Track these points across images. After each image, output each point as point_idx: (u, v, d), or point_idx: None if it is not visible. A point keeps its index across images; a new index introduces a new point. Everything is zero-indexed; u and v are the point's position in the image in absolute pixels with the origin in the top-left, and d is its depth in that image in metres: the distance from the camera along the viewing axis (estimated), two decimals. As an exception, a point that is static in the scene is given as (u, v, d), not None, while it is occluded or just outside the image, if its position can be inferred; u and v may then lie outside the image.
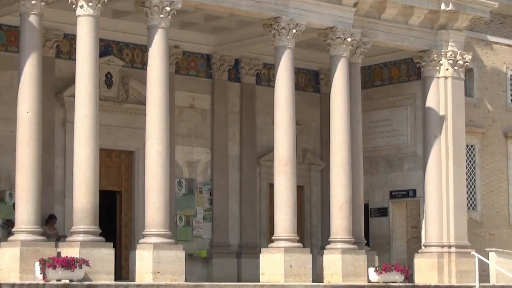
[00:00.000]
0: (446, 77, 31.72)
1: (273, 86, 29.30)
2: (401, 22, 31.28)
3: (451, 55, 31.72)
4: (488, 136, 36.57)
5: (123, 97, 30.10)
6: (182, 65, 31.83)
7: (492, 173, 36.75)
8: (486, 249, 32.46)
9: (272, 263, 27.72)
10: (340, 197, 28.96)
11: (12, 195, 26.20)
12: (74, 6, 24.36)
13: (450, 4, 31.44)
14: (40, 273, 22.82)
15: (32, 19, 24.24)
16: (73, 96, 25.95)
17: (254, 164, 33.19)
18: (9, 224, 26.32)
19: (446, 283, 30.48)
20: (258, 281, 27.80)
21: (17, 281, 22.76)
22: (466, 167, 33.15)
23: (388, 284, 29.11)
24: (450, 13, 31.63)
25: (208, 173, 32.61)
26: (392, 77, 33.48)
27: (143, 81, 27.23)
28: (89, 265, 23.27)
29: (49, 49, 27.75)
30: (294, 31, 28.57)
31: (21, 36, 24.70)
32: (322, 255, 29.09)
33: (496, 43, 37.31)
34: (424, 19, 31.60)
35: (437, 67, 31.84)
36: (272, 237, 28.51)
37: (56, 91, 28.06)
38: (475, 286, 30.52)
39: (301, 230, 29.61)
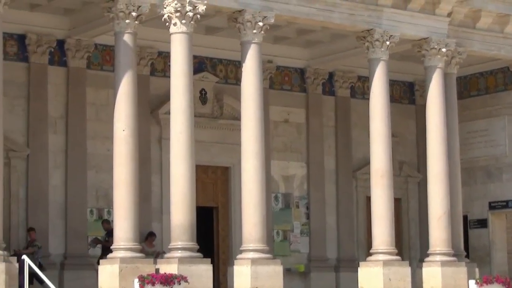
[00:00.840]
0: None
1: (368, 99, 29.22)
2: (497, 31, 31.01)
3: None
4: None
5: (218, 113, 30.23)
6: (276, 79, 31.89)
7: None
8: None
9: (371, 276, 27.61)
10: (438, 209, 28.76)
11: (110, 213, 26.48)
12: (167, 24, 24.63)
13: None
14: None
15: (127, 38, 24.45)
16: (168, 113, 26.10)
17: (350, 177, 33.03)
18: (96, 241, 26.78)
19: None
20: (358, 292, 27.81)
21: (118, 297, 23.03)
22: None
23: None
24: None
25: (304, 187, 32.50)
26: (488, 87, 33.15)
27: (237, 97, 27.42)
28: (187, 281, 23.42)
29: (143, 67, 28.11)
30: (387, 43, 28.46)
31: (116, 55, 24.91)
32: (421, 267, 28.94)
33: None
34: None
35: None
36: (370, 251, 28.41)
37: (152, 108, 28.42)
38: None
39: (399, 243, 29.33)
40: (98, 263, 24.79)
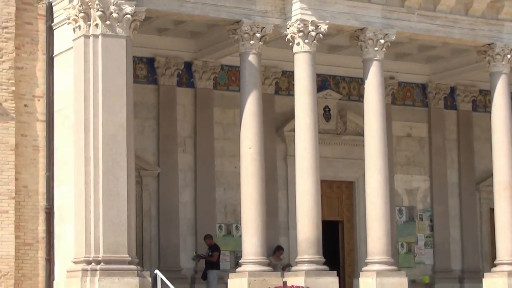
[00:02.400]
0: None
1: (490, 112, 29.22)
2: None
3: None
4: None
5: (342, 129, 30.48)
6: (398, 95, 32.10)
7: None
8: None
9: (496, 287, 27.59)
10: None
11: (238, 228, 27.07)
12: (291, 44, 25.20)
13: None
14: (271, 300, 23.60)
15: (252, 58, 24.97)
16: (293, 130, 26.58)
17: (473, 189, 32.90)
18: (199, 256, 27.40)
19: None
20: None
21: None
22: None
23: None
24: None
25: (427, 200, 32.59)
26: None
27: (360, 113, 27.74)
28: (313, 292, 23.89)
29: (268, 86, 28.62)
30: (508, 56, 28.41)
31: (242, 75, 25.48)
32: (545, 277, 28.65)
33: None
34: None
35: None
36: (495, 262, 28.43)
37: (277, 126, 28.91)
38: None
39: None
40: (203, 278, 26.58)
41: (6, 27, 24.22)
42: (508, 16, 28.29)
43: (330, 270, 25.32)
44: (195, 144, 28.37)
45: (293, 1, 25.37)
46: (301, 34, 25.34)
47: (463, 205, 32.66)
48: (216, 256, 26.92)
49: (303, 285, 24.04)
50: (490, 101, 29.10)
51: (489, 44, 28.27)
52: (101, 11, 22.67)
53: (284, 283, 24.18)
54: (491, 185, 29.63)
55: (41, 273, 24.25)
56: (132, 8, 23.02)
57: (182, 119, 28.35)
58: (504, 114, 28.33)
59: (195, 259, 27.21)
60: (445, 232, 32.16)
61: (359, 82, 27.92)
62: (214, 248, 27.05)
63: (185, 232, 28.01)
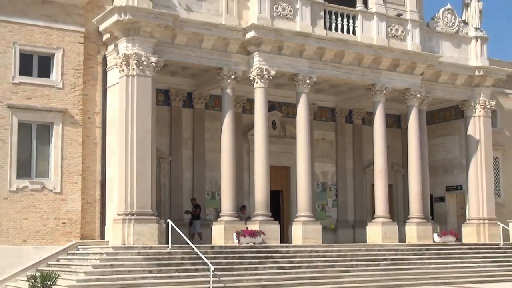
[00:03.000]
0: (479, 116, 31.04)
1: (372, 125, 29.62)
2: (450, 83, 30.74)
3: (482, 102, 31.08)
4: (507, 151, 35.59)
5: (282, 134, 30.24)
6: (317, 114, 32.08)
7: (510, 174, 35.73)
8: (507, 220, 31.60)
9: (374, 231, 27.88)
10: (415, 191, 28.77)
11: (218, 194, 26.78)
12: (252, 82, 25.13)
13: (481, 71, 30.81)
14: (236, 240, 23.45)
15: (228, 91, 25.22)
16: (253, 135, 26.78)
17: (362, 172, 32.91)
18: (187, 212, 27.48)
19: (482, 241, 29.86)
20: (366, 242, 27.83)
21: (223, 244, 23.39)
22: (493, 171, 32.46)
23: (445, 243, 28.79)
24: (481, 77, 30.97)
25: (334, 178, 32.67)
26: (445, 117, 33.08)
27: (294, 125, 27.78)
28: (264, 234, 24.00)
29: (238, 108, 28.41)
30: (384, 91, 28.70)
31: (222, 101, 25.71)
32: (404, 226, 28.94)
33: (510, 93, 36.37)
34: (465, 81, 31.06)
35: (474, 110, 31.20)
36: (374, 216, 28.54)
37: (243, 132, 28.56)
38: (500, 243, 29.83)
39: (391, 211, 29.17)
40: (190, 225, 26.43)
41: (77, 69, 23.99)
42: (384, 67, 28.22)
43: (274, 220, 25.38)
44: (193, 143, 28.32)
45: (254, 56, 25.27)
46: (259, 76, 25.24)
47: (355, 181, 32.66)
48: (198, 211, 26.70)
49: (258, 229, 23.96)
50: (373, 119, 28.99)
51: (372, 84, 28.15)
52: (136, 60, 22.54)
53: (246, 228, 24.15)
54: (372, 170, 29.74)
55: (97, 221, 24.12)
56: (156, 59, 22.99)
57: (185, 128, 28.24)
58: (380, 127, 28.52)
59: (186, 213, 26.90)
60: (343, 197, 32.22)
61: (294, 106, 27.48)
62: (197, 206, 26.83)
63: (186, 196, 27.83)
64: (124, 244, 21.67)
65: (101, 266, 20.09)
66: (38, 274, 18.03)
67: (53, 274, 17.96)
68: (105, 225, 23.93)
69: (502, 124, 35.76)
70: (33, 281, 17.55)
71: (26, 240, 22.35)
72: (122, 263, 20.37)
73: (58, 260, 22.09)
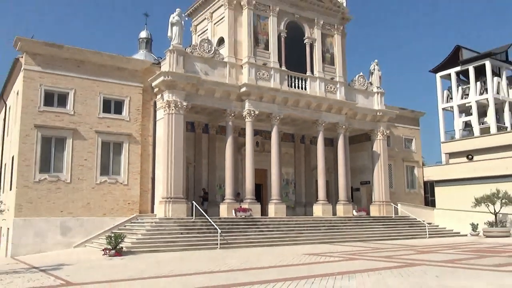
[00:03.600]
0: (380, 139, 31.04)
1: (316, 144, 29.19)
2: (363, 119, 30.80)
3: (381, 131, 31.14)
4: (396, 160, 35.74)
5: (262, 149, 29.05)
6: (283, 137, 31.14)
7: (398, 174, 35.79)
8: (396, 202, 31.54)
9: (317, 209, 27.82)
10: (341, 184, 28.83)
11: (223, 186, 25.80)
12: (244, 118, 25.02)
13: (381, 112, 30.90)
14: (234, 214, 23.32)
15: (230, 123, 25.14)
16: (244, 150, 26.24)
17: (310, 172, 32.18)
18: (200, 196, 26.64)
19: (382, 215, 29.71)
20: (312, 216, 27.61)
21: (226, 216, 23.09)
22: (388, 172, 32.39)
23: (360, 216, 28.74)
24: (380, 116, 31.08)
25: (293, 176, 31.56)
26: (360, 140, 32.83)
27: (269, 144, 27.23)
28: (251, 210, 23.92)
29: (236, 133, 26.89)
30: (323, 124, 28.32)
31: (226, 129, 25.59)
32: (335, 205, 28.64)
33: (398, 126, 36.45)
34: (371, 118, 31.08)
35: (376, 136, 31.21)
36: (317, 199, 28.28)
37: (239, 148, 27.74)
38: (392, 216, 29.84)
39: (328, 197, 28.68)
40: (202, 204, 24.71)
41: (138, 109, 24.08)
42: (323, 110, 28.29)
43: (257, 202, 25.21)
44: (208, 155, 27.99)
45: (245, 102, 25.29)
46: (248, 115, 25.37)
47: (306, 178, 32.05)
48: (206, 196, 26.17)
49: (247, 207, 23.81)
50: (316, 141, 28.80)
51: (316, 120, 28.31)
52: (174, 104, 22.57)
53: (240, 206, 24.11)
54: (316, 171, 29.36)
55: (149, 202, 23.95)
56: (186, 104, 23.15)
57: (203, 145, 27.93)
58: (321, 146, 28.22)
59: (200, 197, 25.98)
60: (299, 188, 31.56)
61: (269, 132, 27.05)
62: (206, 193, 26.35)
63: (204, 187, 27.26)
64: (165, 216, 21.49)
65: (151, 229, 20.00)
66: (112, 234, 17.74)
67: (121, 235, 17.74)
68: (154, 204, 23.73)
69: (393, 144, 35.91)
70: (109, 239, 17.28)
71: (105, 214, 22.23)
72: (164, 227, 20.26)
73: (125, 226, 21.99)
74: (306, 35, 28.70)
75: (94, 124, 22.53)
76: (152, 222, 20.84)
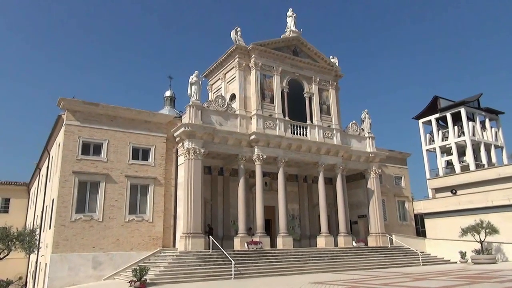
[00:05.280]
0: (373, 178, 30.14)
1: (317, 183, 28.23)
2: (357, 161, 30.05)
3: (374, 170, 30.31)
4: (388, 196, 34.59)
5: (269, 188, 28.20)
6: (289, 178, 30.21)
7: (390, 208, 34.49)
8: (391, 233, 30.18)
9: (321, 241, 26.78)
10: (341, 218, 27.67)
11: (236, 221, 24.74)
12: (254, 161, 24.28)
13: (372, 154, 30.19)
14: (246, 246, 22.35)
15: (242, 166, 24.47)
16: (255, 189, 25.47)
17: (313, 208, 31.08)
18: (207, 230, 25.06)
19: (378, 245, 28.28)
20: (316, 247, 26.35)
21: (239, 249, 21.96)
22: (382, 207, 31.14)
23: (359, 246, 27.37)
24: (372, 157, 30.33)
25: (298, 212, 30.56)
26: (355, 178, 31.88)
27: (276, 184, 26.49)
28: (262, 243, 22.83)
29: (247, 175, 26.24)
30: (322, 166, 27.56)
31: (238, 172, 24.92)
32: (337, 237, 27.38)
33: (389, 165, 35.55)
34: (365, 159, 30.33)
35: (370, 174, 30.32)
36: (320, 232, 27.01)
37: (250, 188, 27.08)
38: (388, 246, 28.42)
39: (330, 229, 27.43)
40: (208, 237, 22.61)
41: (162, 156, 23.61)
42: (322, 153, 27.73)
43: (267, 235, 24.08)
44: (223, 194, 27.27)
45: (255, 148, 24.82)
46: (257, 159, 24.82)
47: (309, 214, 30.92)
48: (211, 231, 24.36)
49: (258, 240, 22.76)
50: (317, 180, 28.03)
51: (316, 162, 27.65)
52: (193, 151, 22.12)
53: (252, 240, 23.03)
54: (318, 207, 28.42)
55: (171, 237, 22.96)
56: (203, 150, 22.64)
57: (219, 186, 27.26)
58: (322, 185, 27.39)
59: (207, 229, 24.41)
60: (304, 222, 30.58)
61: (276, 174, 26.43)
62: (210, 228, 24.78)
63: (220, 223, 26.52)
64: (185, 250, 20.52)
65: (172, 262, 19.02)
66: (137, 267, 16.81)
67: (145, 267, 16.81)
68: (175, 239, 22.77)
69: (385, 181, 34.95)
70: (134, 272, 16.38)
71: (132, 248, 21.28)
72: (184, 260, 19.24)
73: (149, 260, 20.97)
74: (305, 90, 28.68)
75: (124, 169, 22.09)
76: (173, 255, 19.85)
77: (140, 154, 23.04)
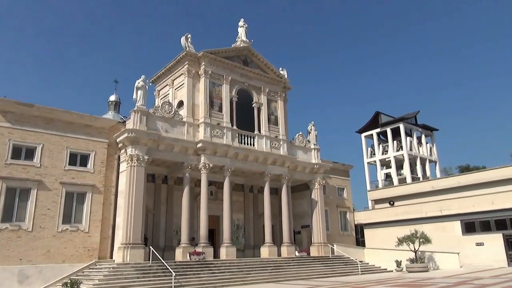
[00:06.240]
0: (317, 188, 30.79)
1: (263, 194, 28.31)
2: (302, 171, 30.54)
3: (318, 181, 30.98)
4: (330, 207, 35.47)
5: (215, 198, 27.92)
6: (234, 188, 29.88)
7: (333, 218, 35.39)
8: (333, 243, 30.92)
9: (264, 251, 26.71)
10: (285, 228, 27.88)
11: (179, 231, 24.03)
12: (200, 170, 23.81)
13: (317, 165, 30.86)
14: (188, 257, 21.74)
15: (187, 175, 23.98)
16: (199, 198, 25.01)
17: (258, 218, 31.13)
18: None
19: (321, 255, 28.82)
20: (260, 257, 26.29)
21: (181, 260, 21.39)
22: (325, 217, 31.73)
23: (302, 256, 27.69)
24: (317, 168, 31.00)
25: (243, 221, 30.40)
26: (300, 189, 32.38)
27: (222, 193, 26.21)
28: (205, 254, 22.39)
29: (192, 184, 25.63)
30: (268, 176, 27.70)
31: (184, 181, 24.29)
32: (280, 247, 27.57)
33: (332, 177, 36.56)
34: (310, 170, 30.86)
35: (314, 185, 30.92)
36: (264, 242, 27.09)
37: (195, 197, 26.63)
38: (329, 256, 29.02)
39: (274, 239, 27.55)
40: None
41: (102, 162, 22.55)
42: (269, 163, 27.90)
43: (210, 245, 23.61)
44: (167, 203, 26.46)
45: (201, 156, 24.48)
46: (203, 167, 24.46)
47: (254, 224, 30.73)
48: (146, 241, 22.58)
49: (201, 251, 22.28)
50: (263, 190, 28.06)
51: (263, 172, 27.70)
52: (136, 158, 21.32)
53: (195, 250, 22.47)
54: (263, 217, 28.22)
55: (109, 248, 21.79)
56: (147, 157, 21.89)
57: (162, 195, 26.44)
58: (267, 195, 27.50)
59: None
60: (248, 232, 30.41)
61: (222, 183, 26.26)
62: (146, 238, 22.82)
63: (162, 233, 25.62)
64: (123, 262, 19.56)
65: (108, 274, 18.00)
66: (68, 281, 15.71)
67: (77, 281, 15.77)
68: (113, 250, 21.64)
69: (328, 192, 35.81)
70: (65, 286, 15.28)
71: (64, 260, 19.90)
72: (121, 272, 18.30)
73: (83, 272, 19.69)
74: (254, 100, 28.83)
75: (59, 175, 20.69)
76: (109, 267, 18.81)
77: (79, 159, 21.74)
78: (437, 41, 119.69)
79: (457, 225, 30.81)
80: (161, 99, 28.92)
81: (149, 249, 20.58)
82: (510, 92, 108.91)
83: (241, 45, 29.12)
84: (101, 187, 22.04)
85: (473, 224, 30.20)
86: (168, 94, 27.97)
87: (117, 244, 21.16)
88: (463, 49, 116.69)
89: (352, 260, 28.78)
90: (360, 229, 38.14)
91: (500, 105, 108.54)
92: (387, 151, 54.00)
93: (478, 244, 29.33)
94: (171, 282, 18.13)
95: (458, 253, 28.00)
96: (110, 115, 37.46)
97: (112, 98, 40.96)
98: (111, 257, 21.39)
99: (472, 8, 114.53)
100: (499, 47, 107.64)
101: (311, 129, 32.40)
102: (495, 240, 28.49)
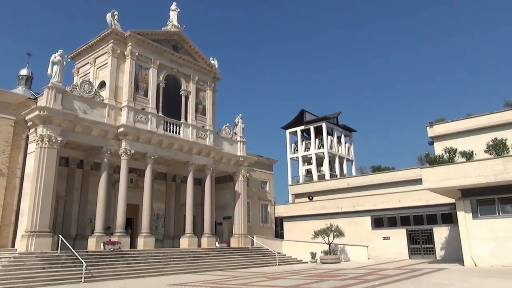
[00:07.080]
0: (241, 181, 31.21)
1: (186, 184, 27.88)
2: (227, 163, 30.72)
3: (242, 173, 31.39)
4: (253, 199, 36.18)
5: (135, 186, 27.03)
6: (157, 176, 29.28)
7: (254, 210, 36.05)
8: (253, 235, 31.56)
9: (184, 241, 26.47)
10: (207, 219, 27.91)
11: (94, 220, 22.79)
12: (120, 156, 22.74)
13: (242, 158, 31.22)
14: (102, 247, 20.62)
15: (106, 160, 22.78)
16: (118, 186, 23.88)
17: (179, 208, 30.75)
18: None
19: (241, 246, 29.29)
20: (179, 247, 25.93)
21: (94, 249, 20.35)
22: (247, 209, 32.32)
23: (222, 247, 27.85)
24: (242, 161, 31.39)
25: (163, 211, 29.77)
26: (224, 180, 32.52)
27: (143, 182, 25.29)
28: (121, 243, 21.53)
29: (111, 170, 24.63)
30: (191, 167, 27.33)
31: (101, 166, 23.09)
32: (200, 238, 27.47)
33: (256, 170, 37.22)
34: (235, 162, 31.14)
35: (238, 177, 31.31)
36: (184, 232, 26.77)
37: (113, 184, 25.42)
38: (249, 247, 29.60)
39: (194, 230, 27.56)
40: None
41: (7, 141, 20.44)
42: (194, 153, 27.64)
43: (127, 235, 22.69)
44: (81, 189, 24.88)
45: (122, 142, 23.46)
46: (124, 153, 23.43)
47: (176, 213, 30.36)
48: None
49: (117, 240, 21.34)
50: (187, 180, 27.63)
51: (187, 161, 27.31)
52: (48, 139, 19.55)
53: (109, 240, 21.47)
54: (185, 207, 27.93)
55: (11, 236, 19.82)
56: (61, 139, 20.27)
57: (76, 181, 24.81)
58: (190, 185, 27.19)
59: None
60: (168, 222, 29.67)
61: (143, 171, 25.34)
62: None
63: (74, 221, 24.04)
64: (27, 251, 17.97)
65: (8, 265, 16.40)
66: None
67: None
68: (16, 238, 19.80)
69: (251, 185, 36.39)
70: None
71: (-45, 249, 17.65)
72: (23, 263, 16.78)
73: (-22, 262, 17.62)
74: (182, 88, 28.22)
75: (-48, 153, 18.36)
76: (10, 257, 17.10)
77: (-22, 137, 19.49)
78: (363, 46, 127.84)
79: (367, 220, 33.27)
80: (80, 77, 26.90)
81: (58, 237, 19.15)
82: (416, 98, 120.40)
83: (172, 29, 28.25)
84: (4, 169, 19.98)
85: (381, 220, 32.87)
86: (89, 73, 26.14)
87: (20, 232, 19.36)
88: (379, 58, 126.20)
89: (271, 251, 29.69)
90: (280, 222, 39.44)
91: (411, 109, 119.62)
92: (309, 148, 56.50)
93: (385, 238, 31.98)
94: (82, 273, 17.08)
95: (367, 246, 30.29)
96: (20, 90, 33.96)
97: (24, 72, 37.17)
98: (13, 246, 19.55)
99: (387, 19, 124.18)
100: (415, 56, 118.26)
101: (238, 122, 32.64)
102: (399, 235, 31.27)
